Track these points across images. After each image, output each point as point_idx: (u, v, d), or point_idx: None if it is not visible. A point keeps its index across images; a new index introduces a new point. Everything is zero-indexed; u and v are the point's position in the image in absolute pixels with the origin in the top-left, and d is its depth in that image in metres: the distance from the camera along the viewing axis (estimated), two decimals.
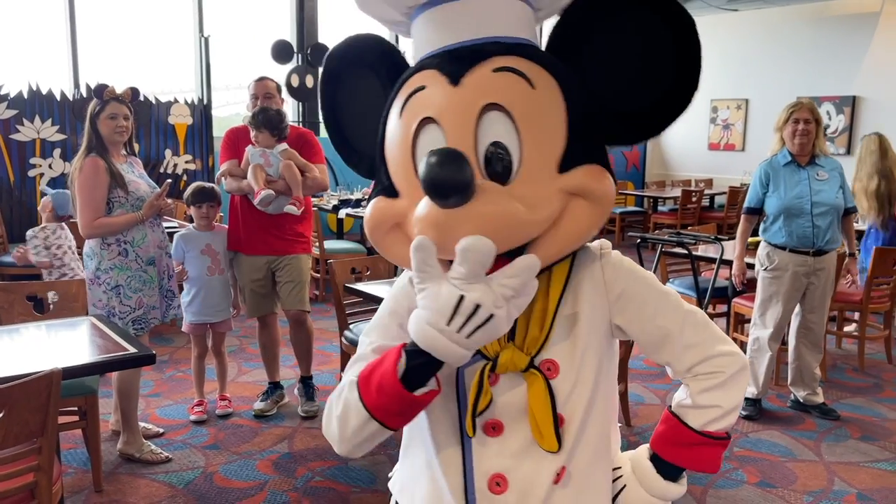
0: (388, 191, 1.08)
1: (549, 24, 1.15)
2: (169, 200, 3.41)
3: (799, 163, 3.69)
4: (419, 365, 0.98)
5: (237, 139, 3.80)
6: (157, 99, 6.87)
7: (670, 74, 1.04)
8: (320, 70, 1.25)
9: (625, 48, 1.05)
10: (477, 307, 0.92)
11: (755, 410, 3.89)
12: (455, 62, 1.03)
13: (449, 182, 0.92)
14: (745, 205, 3.85)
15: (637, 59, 1.05)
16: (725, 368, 1.10)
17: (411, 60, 1.14)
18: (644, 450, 1.19)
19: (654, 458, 1.16)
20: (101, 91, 3.27)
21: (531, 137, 1.00)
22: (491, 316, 0.92)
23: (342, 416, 1.06)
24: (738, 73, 9.84)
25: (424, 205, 0.97)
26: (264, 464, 3.32)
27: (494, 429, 1.07)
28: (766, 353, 3.82)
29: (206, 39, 7.20)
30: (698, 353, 1.11)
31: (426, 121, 1.02)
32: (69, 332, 2.95)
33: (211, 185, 3.89)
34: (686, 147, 10.68)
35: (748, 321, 4.25)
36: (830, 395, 4.16)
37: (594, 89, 1.06)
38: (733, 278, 4.05)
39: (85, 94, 6.32)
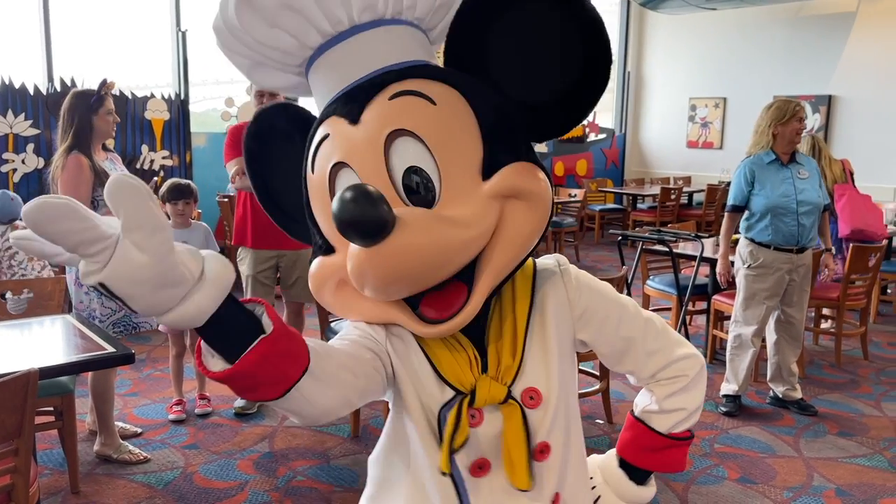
0: (325, 249, 1.04)
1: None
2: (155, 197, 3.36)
3: (782, 161, 3.72)
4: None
5: (242, 137, 3.81)
6: (133, 94, 6.77)
7: (578, 63, 1.04)
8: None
9: (524, 43, 1.05)
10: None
11: (735, 407, 3.92)
12: (351, 101, 1.00)
13: (359, 219, 0.85)
14: (731, 203, 3.85)
15: (540, 51, 1.05)
16: (688, 371, 1.14)
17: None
18: (612, 457, 1.20)
19: (623, 464, 1.18)
20: (102, 85, 3.22)
21: (445, 153, 0.97)
22: (101, 286, 0.74)
23: None
24: (716, 71, 9.92)
25: (351, 250, 0.93)
26: (245, 463, 3.28)
27: (481, 468, 1.04)
28: (749, 349, 3.85)
29: (184, 34, 7.10)
30: (661, 358, 1.13)
31: (337, 167, 0.99)
32: (45, 330, 2.89)
33: (187, 181, 3.85)
34: (665, 145, 10.75)
35: (728, 318, 4.28)
36: (808, 391, 4.21)
37: (505, 88, 1.04)
38: (718, 277, 4.06)
39: (59, 89, 6.21)
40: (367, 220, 0.85)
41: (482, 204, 0.96)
